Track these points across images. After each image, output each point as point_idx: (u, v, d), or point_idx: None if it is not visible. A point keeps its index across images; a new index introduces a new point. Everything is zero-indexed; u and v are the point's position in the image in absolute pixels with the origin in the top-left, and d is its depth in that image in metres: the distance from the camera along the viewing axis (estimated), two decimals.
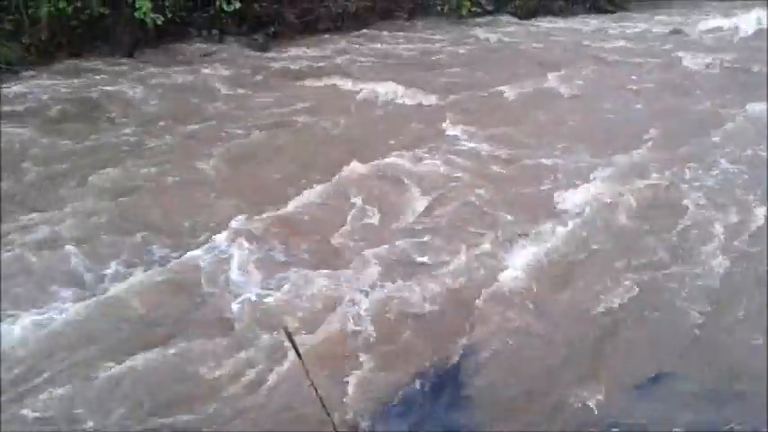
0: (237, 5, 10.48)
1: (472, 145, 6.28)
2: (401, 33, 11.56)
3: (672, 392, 3.60)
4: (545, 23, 12.59)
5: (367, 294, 3.99)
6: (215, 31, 10.65)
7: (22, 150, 5.92)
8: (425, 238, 4.65)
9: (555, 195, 5.28)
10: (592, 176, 5.61)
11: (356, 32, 11.56)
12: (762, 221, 4.99)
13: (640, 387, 3.59)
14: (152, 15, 9.41)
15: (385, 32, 11.55)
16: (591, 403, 3.34)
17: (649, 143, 6.39)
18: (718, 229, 4.92)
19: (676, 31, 11.64)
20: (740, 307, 4.13)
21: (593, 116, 7.30)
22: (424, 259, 4.40)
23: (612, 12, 13.39)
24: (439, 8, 12.66)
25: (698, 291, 4.20)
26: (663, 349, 3.87)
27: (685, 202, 5.26)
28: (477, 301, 3.97)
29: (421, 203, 5.13)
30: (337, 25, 11.86)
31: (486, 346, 3.70)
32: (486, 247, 4.53)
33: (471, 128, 6.68)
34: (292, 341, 2.62)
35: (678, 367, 3.75)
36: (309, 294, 3.97)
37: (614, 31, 11.78)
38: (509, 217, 4.94)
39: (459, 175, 5.60)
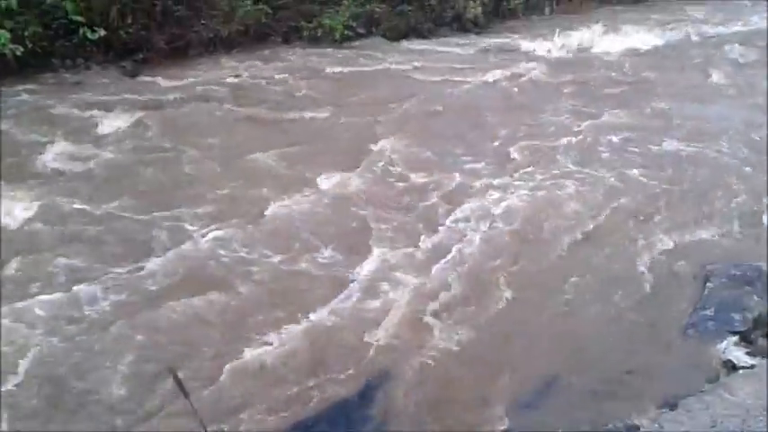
0: (102, 33, 10.52)
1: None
2: (271, 57, 11.92)
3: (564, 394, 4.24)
4: (414, 45, 13.21)
5: None
6: (80, 60, 10.62)
7: None
8: None
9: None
10: None
11: (226, 57, 11.80)
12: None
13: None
14: (11, 46, 9.35)
15: (256, 59, 11.83)
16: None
17: None
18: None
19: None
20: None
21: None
22: None
23: (477, 32, 14.10)
24: (312, 32, 13.00)
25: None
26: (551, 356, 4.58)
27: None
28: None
29: None
30: (209, 50, 12.03)
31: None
32: None
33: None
34: (180, 383, 2.77)
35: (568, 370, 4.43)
36: None
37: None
38: None
39: None
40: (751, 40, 13.03)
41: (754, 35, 13.37)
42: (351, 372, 4.38)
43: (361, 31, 13.39)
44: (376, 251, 5.95)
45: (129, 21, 11.20)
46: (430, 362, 4.56)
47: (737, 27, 14.02)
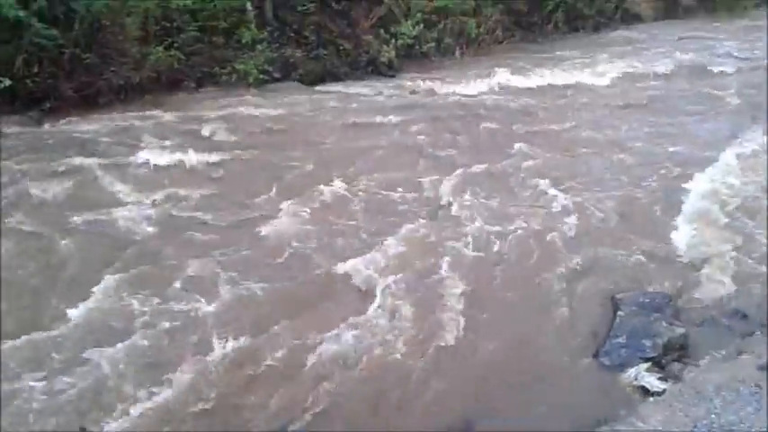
0: (8, 83, 10.16)
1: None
2: (182, 102, 11.78)
3: None
4: (330, 88, 13.33)
5: None
6: None
7: None
8: None
9: None
10: None
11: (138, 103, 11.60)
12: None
13: None
14: None
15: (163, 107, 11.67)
16: None
17: None
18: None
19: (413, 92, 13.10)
20: None
21: None
22: None
23: (392, 76, 14.39)
24: (227, 77, 12.93)
25: None
26: None
27: None
28: None
29: None
30: (120, 98, 11.76)
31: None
32: None
33: None
34: None
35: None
36: None
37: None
38: None
39: None
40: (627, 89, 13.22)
41: (638, 79, 13.79)
42: None
43: (276, 75, 13.42)
44: None
45: (36, 69, 10.89)
46: None
47: (632, 69, 14.31)
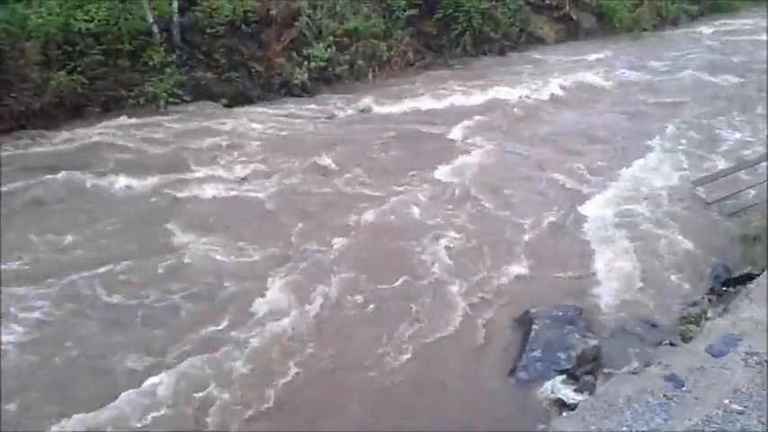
0: None
1: None
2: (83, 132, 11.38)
3: None
4: (241, 110, 13.17)
5: None
6: None
7: None
8: None
9: None
10: None
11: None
12: None
13: None
14: None
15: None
16: None
17: None
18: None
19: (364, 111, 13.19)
20: None
21: None
22: None
23: (308, 95, 14.38)
24: (134, 100, 12.55)
25: None
26: None
27: None
28: None
29: None
30: (21, 124, 11.22)
31: None
32: None
33: None
34: None
35: None
36: None
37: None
38: None
39: None
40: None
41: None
42: None
43: (187, 98, 13.14)
44: None
45: None
46: None
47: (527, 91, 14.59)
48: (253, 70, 14.35)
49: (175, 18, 13.79)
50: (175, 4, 13.72)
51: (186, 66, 13.58)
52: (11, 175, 9.27)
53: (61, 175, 9.24)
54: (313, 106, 13.65)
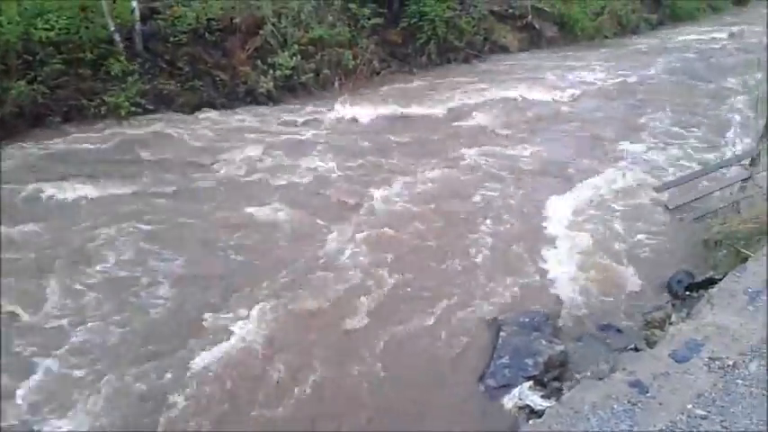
0: None
1: None
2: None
3: None
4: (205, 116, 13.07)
5: None
6: None
7: None
8: None
9: None
10: None
11: None
12: None
13: None
14: None
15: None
16: None
17: None
18: None
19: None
20: None
21: None
22: None
23: (273, 104, 14.30)
24: (96, 110, 12.34)
25: None
26: None
27: None
28: None
29: None
30: None
31: None
32: None
33: None
34: None
35: None
36: None
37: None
38: None
39: None
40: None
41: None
42: None
43: (149, 107, 12.97)
44: None
45: None
46: None
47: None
48: (217, 79, 14.21)
49: (137, 26, 13.58)
50: (137, 13, 13.51)
51: (149, 74, 13.39)
52: None
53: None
54: (279, 114, 13.59)
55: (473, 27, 18.87)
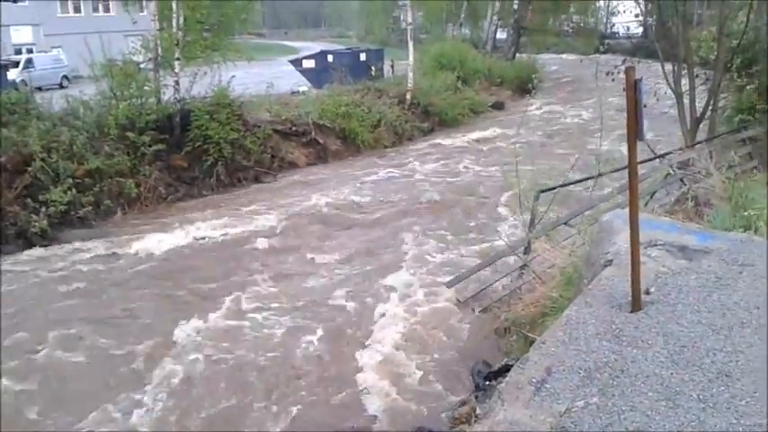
0: None
1: None
2: None
3: None
4: None
5: None
6: None
7: None
8: None
9: None
10: None
11: None
12: None
13: None
14: None
15: None
16: None
17: None
18: None
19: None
20: None
21: None
22: None
23: (49, 244, 13.42)
24: None
25: None
26: None
27: None
28: None
29: None
30: None
31: None
32: None
33: None
34: None
35: None
36: None
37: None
38: None
39: None
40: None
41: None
42: None
43: None
44: None
45: None
46: None
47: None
48: None
49: None
50: None
51: None
52: None
53: None
54: (54, 254, 12.79)
55: (259, 146, 19.26)
